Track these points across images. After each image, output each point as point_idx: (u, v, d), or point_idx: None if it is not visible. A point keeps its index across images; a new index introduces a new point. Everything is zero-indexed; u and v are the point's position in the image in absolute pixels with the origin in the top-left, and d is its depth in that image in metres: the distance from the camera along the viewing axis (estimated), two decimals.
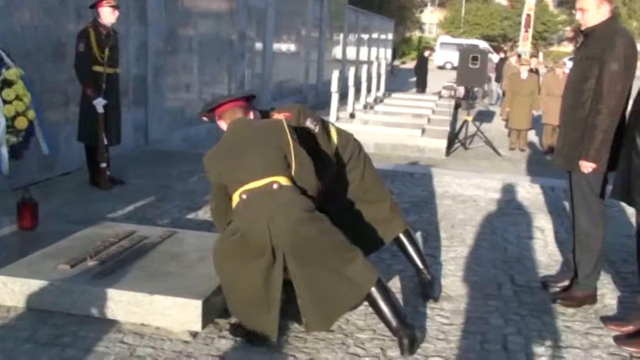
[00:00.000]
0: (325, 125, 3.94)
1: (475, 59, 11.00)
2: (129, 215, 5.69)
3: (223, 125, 3.64)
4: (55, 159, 6.73)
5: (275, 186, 3.30)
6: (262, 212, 3.22)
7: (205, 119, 3.91)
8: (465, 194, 7.10)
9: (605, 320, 3.93)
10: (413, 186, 7.37)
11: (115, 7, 6.38)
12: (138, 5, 8.65)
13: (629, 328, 3.76)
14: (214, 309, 3.60)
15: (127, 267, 3.85)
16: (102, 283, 3.61)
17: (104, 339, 3.38)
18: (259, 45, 13.31)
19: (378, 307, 3.33)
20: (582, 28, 4.09)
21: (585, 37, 4.08)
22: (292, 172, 3.41)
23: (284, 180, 3.34)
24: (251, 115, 3.67)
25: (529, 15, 29.11)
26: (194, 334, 3.46)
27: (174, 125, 9.89)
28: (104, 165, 6.49)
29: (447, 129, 11.88)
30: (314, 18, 16.83)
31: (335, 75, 11.50)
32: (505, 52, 23.08)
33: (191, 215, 5.78)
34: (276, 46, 14.29)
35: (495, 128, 13.58)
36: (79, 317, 3.55)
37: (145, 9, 8.80)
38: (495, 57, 20.20)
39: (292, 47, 15.88)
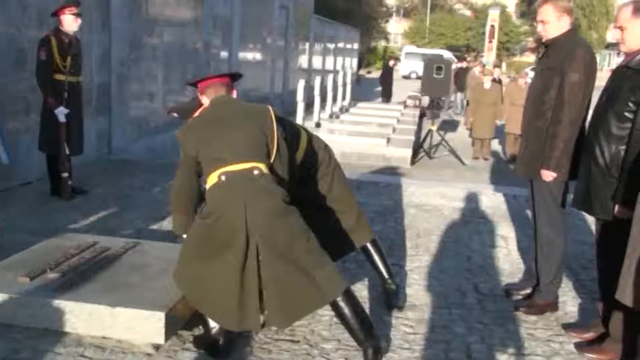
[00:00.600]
0: (294, 130, 3.93)
1: (439, 69, 11.11)
2: (91, 226, 5.60)
3: (205, 100, 3.56)
4: (15, 169, 6.61)
5: (256, 172, 3.26)
6: (240, 195, 3.17)
7: (175, 114, 3.88)
8: (430, 203, 7.15)
9: (567, 327, 3.99)
10: (379, 195, 7.40)
11: (77, 15, 6.30)
12: (101, 13, 8.56)
13: (590, 335, 3.83)
14: (177, 321, 3.56)
15: (88, 279, 3.78)
16: (63, 295, 3.54)
17: (64, 353, 3.32)
18: (224, 54, 13.26)
19: (345, 317, 3.31)
20: (543, 40, 4.17)
21: (546, 49, 4.15)
22: (271, 161, 3.38)
23: (264, 168, 3.31)
24: (234, 94, 3.62)
25: (492, 26, 29.56)
26: (157, 347, 3.42)
27: (137, 135, 9.79)
28: (65, 175, 6.39)
29: (412, 138, 11.97)
30: (279, 27, 16.84)
31: (300, 84, 11.53)
32: (468, 61, 23.36)
33: (155, 226, 5.72)
34: (242, 55, 14.26)
35: (460, 137, 13.72)
36: (39, 331, 3.47)
37: (108, 16, 8.71)
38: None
39: (258, 55, 15.87)
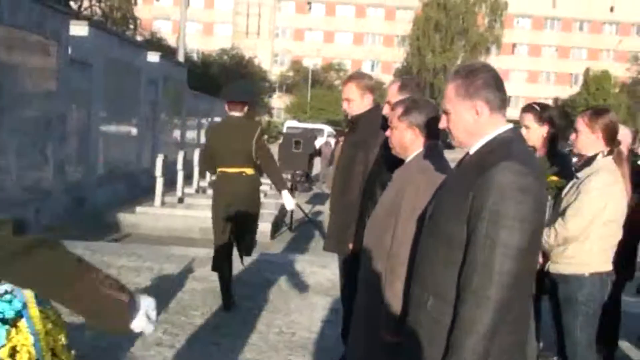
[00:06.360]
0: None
1: (297, 143, 11.30)
2: None
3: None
4: None
5: (243, 174, 5.66)
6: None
7: None
8: (271, 277, 7.09)
9: None
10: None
11: None
12: None
13: None
14: None
15: None
16: None
17: None
18: (84, 127, 12.88)
19: None
20: (349, 116, 4.28)
21: (353, 124, 4.27)
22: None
23: (249, 171, 5.71)
24: (245, 110, 5.71)
25: None
26: None
27: None
28: None
29: (274, 212, 11.96)
30: (147, 101, 16.63)
31: (159, 159, 11.38)
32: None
33: None
34: (104, 128, 13.89)
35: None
36: None
37: None
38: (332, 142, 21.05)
39: (123, 129, 15.54)
